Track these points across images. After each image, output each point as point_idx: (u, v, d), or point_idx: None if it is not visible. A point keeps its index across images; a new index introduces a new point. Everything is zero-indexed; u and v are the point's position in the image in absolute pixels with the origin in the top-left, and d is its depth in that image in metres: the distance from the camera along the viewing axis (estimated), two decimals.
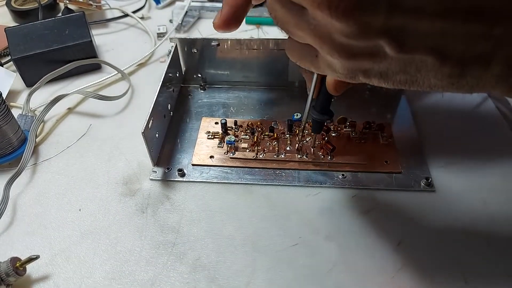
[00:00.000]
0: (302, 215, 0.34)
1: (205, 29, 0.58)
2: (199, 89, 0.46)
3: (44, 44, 0.47)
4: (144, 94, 0.47)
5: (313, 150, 0.38)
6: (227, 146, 0.38)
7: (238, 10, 0.28)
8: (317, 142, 0.39)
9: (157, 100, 0.36)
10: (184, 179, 0.37)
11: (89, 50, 0.49)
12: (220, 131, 0.40)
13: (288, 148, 0.38)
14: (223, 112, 0.43)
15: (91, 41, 0.48)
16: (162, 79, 0.38)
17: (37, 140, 0.41)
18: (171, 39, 0.43)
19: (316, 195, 0.35)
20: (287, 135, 0.40)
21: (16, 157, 0.38)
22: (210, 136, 0.40)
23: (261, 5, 0.28)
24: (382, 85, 0.22)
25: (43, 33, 0.48)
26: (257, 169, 0.37)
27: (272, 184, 0.36)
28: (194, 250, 0.32)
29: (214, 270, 0.30)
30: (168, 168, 0.37)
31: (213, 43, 0.43)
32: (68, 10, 0.56)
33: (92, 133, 0.42)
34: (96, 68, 0.50)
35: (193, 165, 0.38)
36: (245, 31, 0.56)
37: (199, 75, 0.46)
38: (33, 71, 0.47)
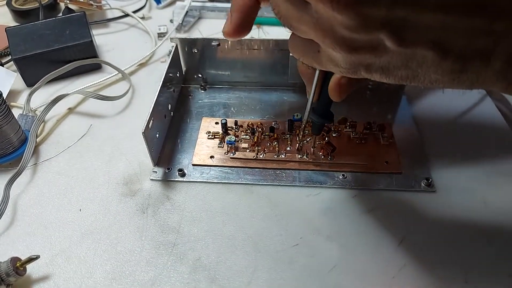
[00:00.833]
0: (303, 215, 0.34)
1: (206, 29, 0.58)
2: (199, 89, 0.46)
3: (45, 44, 0.47)
4: (145, 94, 0.47)
5: (313, 150, 0.38)
6: (228, 146, 0.38)
7: (248, 15, 0.27)
8: (317, 142, 0.39)
9: (158, 100, 0.36)
10: (184, 179, 0.37)
11: (90, 50, 0.49)
12: (221, 131, 0.40)
13: (288, 148, 0.38)
14: (224, 112, 0.43)
15: (91, 41, 0.48)
16: (162, 79, 0.38)
17: (37, 140, 0.41)
18: (171, 39, 0.43)
19: (316, 195, 0.35)
20: (288, 135, 0.40)
21: (17, 157, 0.38)
22: (210, 136, 0.40)
23: None
24: (384, 81, 0.22)
25: (44, 33, 0.48)
26: (257, 169, 0.37)
27: (273, 184, 0.36)
28: (195, 250, 0.32)
29: (214, 270, 0.30)
30: (168, 168, 0.37)
31: (213, 43, 0.43)
32: (68, 10, 0.56)
33: (93, 133, 0.42)
34: (96, 68, 0.50)
35: (194, 165, 0.38)
36: None
37: (200, 75, 0.46)
38: (33, 71, 0.47)
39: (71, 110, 0.45)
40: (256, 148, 0.38)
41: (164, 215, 0.34)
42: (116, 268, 0.31)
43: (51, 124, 0.43)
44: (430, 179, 0.35)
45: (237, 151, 0.38)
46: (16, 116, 0.39)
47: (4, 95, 0.37)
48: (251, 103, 0.44)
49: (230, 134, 0.40)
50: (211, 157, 0.38)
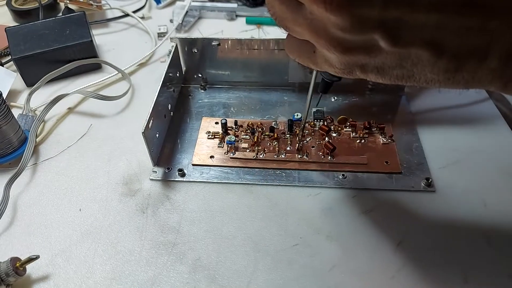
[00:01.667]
0: (303, 215, 0.34)
1: (206, 29, 0.58)
2: (199, 89, 0.46)
3: (45, 44, 0.47)
4: (145, 94, 0.47)
5: (313, 150, 0.38)
6: (227, 146, 0.38)
7: None
8: (317, 142, 0.39)
9: (158, 100, 0.36)
10: (184, 179, 0.37)
11: (90, 50, 0.49)
12: (221, 131, 0.40)
13: (288, 148, 0.38)
14: (224, 112, 0.43)
15: (91, 41, 0.48)
16: (162, 79, 0.38)
17: (37, 140, 0.41)
18: (171, 39, 0.43)
19: (316, 195, 0.35)
20: (287, 135, 0.40)
21: (17, 157, 0.38)
22: (210, 136, 0.40)
23: (261, 4, 0.28)
24: (379, 81, 0.22)
25: (44, 33, 0.48)
26: (257, 169, 0.37)
27: (273, 184, 0.36)
28: (194, 250, 0.32)
29: (214, 270, 0.30)
30: (168, 168, 0.37)
31: (213, 43, 0.43)
32: (68, 10, 0.56)
33: (93, 133, 0.42)
34: (96, 68, 0.50)
35: (193, 165, 0.38)
36: (245, 31, 0.56)
37: (200, 75, 0.46)
38: (33, 71, 0.47)
39: (71, 110, 0.45)
40: (256, 148, 0.38)
41: (164, 215, 0.34)
42: (116, 268, 0.31)
43: (51, 124, 0.43)
44: (430, 179, 0.35)
45: (237, 151, 0.38)
46: (16, 116, 0.39)
47: (4, 95, 0.37)
48: (251, 103, 0.44)
49: (230, 134, 0.40)
50: (211, 157, 0.38)
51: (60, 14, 0.58)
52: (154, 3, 0.63)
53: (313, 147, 0.38)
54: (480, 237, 0.32)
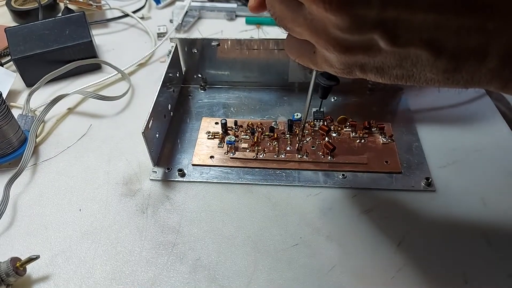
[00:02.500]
0: (303, 215, 0.34)
1: (206, 29, 0.58)
2: (199, 89, 0.46)
3: (44, 44, 0.47)
4: (144, 94, 0.47)
5: (313, 150, 0.38)
6: (227, 146, 0.38)
7: None
8: (317, 142, 0.39)
9: (157, 100, 0.36)
10: (184, 179, 0.37)
11: (89, 50, 0.49)
12: (220, 131, 0.40)
13: (288, 148, 0.39)
14: (223, 112, 0.43)
15: (91, 41, 0.48)
16: (162, 79, 0.38)
17: (37, 140, 0.41)
18: (171, 39, 0.43)
19: (316, 195, 0.35)
20: (287, 135, 0.40)
21: (16, 157, 0.38)
22: (210, 136, 0.40)
23: None
24: (379, 80, 0.22)
25: (43, 33, 0.48)
26: (257, 169, 0.37)
27: (273, 184, 0.36)
28: (195, 250, 0.32)
29: (214, 270, 0.30)
30: (168, 168, 0.37)
31: (213, 43, 0.43)
32: (68, 10, 0.56)
33: (92, 133, 0.42)
34: (96, 68, 0.50)
35: (193, 165, 0.38)
36: (245, 31, 0.56)
37: (199, 75, 0.46)
38: (33, 71, 0.47)
39: (70, 110, 0.45)
40: (256, 148, 0.38)
41: (164, 215, 0.34)
42: (116, 268, 0.31)
43: (51, 124, 0.43)
44: (430, 179, 0.35)
45: (237, 151, 0.38)
46: (15, 116, 0.39)
47: (4, 95, 0.37)
48: (251, 103, 0.44)
49: (230, 134, 0.40)
50: (211, 157, 0.38)
51: (60, 14, 0.58)
52: (153, 3, 0.63)
53: (313, 147, 0.38)
54: (480, 236, 0.32)
